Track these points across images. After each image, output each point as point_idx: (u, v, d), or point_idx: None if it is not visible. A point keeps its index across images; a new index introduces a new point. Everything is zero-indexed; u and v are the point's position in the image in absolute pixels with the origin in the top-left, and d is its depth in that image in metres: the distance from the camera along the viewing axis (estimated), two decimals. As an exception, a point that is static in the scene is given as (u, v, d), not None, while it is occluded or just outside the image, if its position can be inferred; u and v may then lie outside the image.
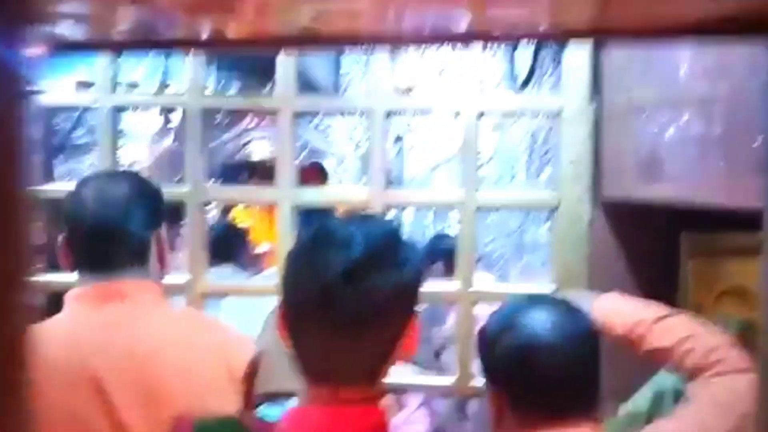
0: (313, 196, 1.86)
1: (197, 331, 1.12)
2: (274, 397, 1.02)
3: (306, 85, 2.46)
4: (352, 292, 0.75)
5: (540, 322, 0.97)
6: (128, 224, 1.09)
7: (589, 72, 1.54)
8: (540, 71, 1.91)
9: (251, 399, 1.02)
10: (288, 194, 1.69)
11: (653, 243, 1.55)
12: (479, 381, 1.65)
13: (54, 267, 2.81)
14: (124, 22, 0.67)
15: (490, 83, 3.10)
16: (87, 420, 1.00)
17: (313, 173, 3.14)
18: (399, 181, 3.47)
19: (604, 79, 1.53)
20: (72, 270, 1.12)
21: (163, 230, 1.16)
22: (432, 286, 2.00)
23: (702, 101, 1.11)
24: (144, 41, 0.74)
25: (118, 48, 0.87)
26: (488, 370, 1.03)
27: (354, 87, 3.66)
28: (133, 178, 1.18)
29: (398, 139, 3.53)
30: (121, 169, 1.31)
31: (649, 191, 1.35)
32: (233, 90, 3.33)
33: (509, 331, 0.98)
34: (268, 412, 1.01)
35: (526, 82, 1.74)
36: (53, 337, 1.03)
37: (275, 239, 2.03)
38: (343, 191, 2.19)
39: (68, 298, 1.09)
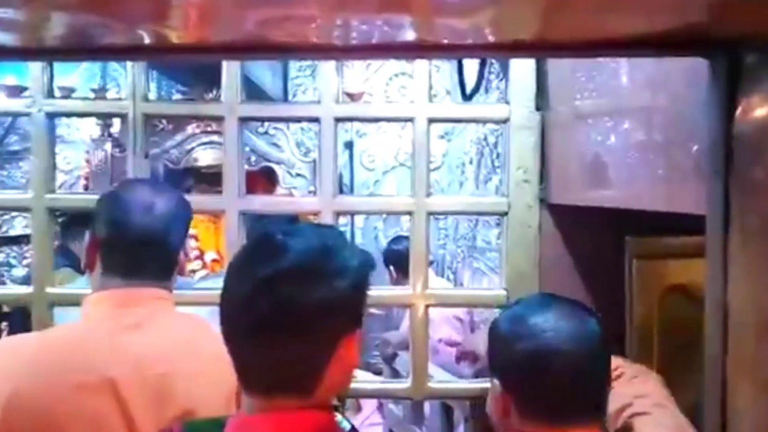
0: (261, 204, 1.83)
1: (203, 337, 1.14)
2: None
3: (253, 90, 2.42)
4: (272, 302, 0.75)
5: (553, 328, 0.99)
6: (169, 237, 1.14)
7: (534, 81, 1.57)
8: (487, 80, 1.94)
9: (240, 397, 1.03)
10: (235, 203, 1.66)
11: (600, 246, 1.59)
12: (434, 384, 1.66)
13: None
14: (59, 29, 0.64)
15: (440, 92, 3.13)
16: (102, 420, 1.03)
17: (262, 179, 3.09)
18: (349, 187, 3.46)
19: (550, 88, 1.56)
20: (93, 270, 1.14)
21: (188, 247, 1.21)
22: (386, 290, 2.01)
23: (642, 110, 1.14)
24: (82, 49, 0.70)
25: (54, 55, 0.83)
26: (498, 371, 1.05)
27: (303, 93, 3.63)
28: (172, 191, 1.21)
29: (348, 145, 3.52)
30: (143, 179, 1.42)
31: (594, 196, 1.38)
32: (177, 95, 3.25)
33: (523, 338, 1.00)
34: None
35: (474, 91, 1.76)
36: (71, 339, 1.09)
37: (221, 247, 1.98)
38: (293, 199, 2.17)
39: (88, 301, 1.13)
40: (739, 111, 0.64)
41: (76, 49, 0.70)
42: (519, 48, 0.68)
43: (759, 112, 0.64)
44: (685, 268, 1.43)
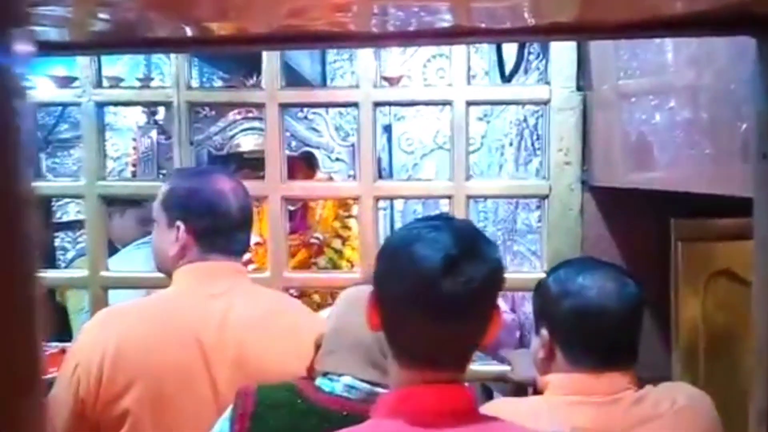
0: (303, 189, 1.86)
1: (282, 311, 1.33)
2: (327, 374, 1.12)
3: (292, 76, 2.45)
4: (452, 285, 0.83)
5: (597, 287, 1.16)
6: (250, 219, 1.37)
7: (575, 61, 1.55)
8: (527, 60, 1.91)
9: (311, 371, 1.15)
10: (277, 188, 1.69)
11: (643, 229, 1.56)
12: (473, 367, 1.67)
13: (43, 263, 2.79)
14: (105, 24, 0.66)
15: (478, 73, 3.09)
16: (190, 374, 1.20)
17: (303, 164, 3.12)
18: (388, 171, 3.46)
19: (592, 68, 1.53)
20: (186, 250, 1.30)
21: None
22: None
23: (687, 89, 1.11)
24: (127, 41, 0.73)
25: (102, 48, 0.86)
26: (547, 323, 1.21)
27: (341, 77, 3.64)
28: (243, 185, 1.39)
29: (386, 128, 3.51)
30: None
31: (637, 178, 1.36)
32: (218, 83, 3.30)
33: (570, 295, 1.17)
34: (323, 383, 1.10)
35: (513, 72, 1.73)
36: (164, 304, 1.30)
37: (265, 232, 2.02)
38: (333, 184, 2.19)
39: (180, 272, 1.30)
40: (788, 90, 0.62)
41: (121, 43, 0.73)
42: (558, 31, 0.67)
43: (810, 91, 0.62)
44: (733, 250, 1.39)
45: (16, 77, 0.32)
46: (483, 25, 0.66)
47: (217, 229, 1.29)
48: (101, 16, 0.63)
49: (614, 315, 1.15)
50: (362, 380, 1.08)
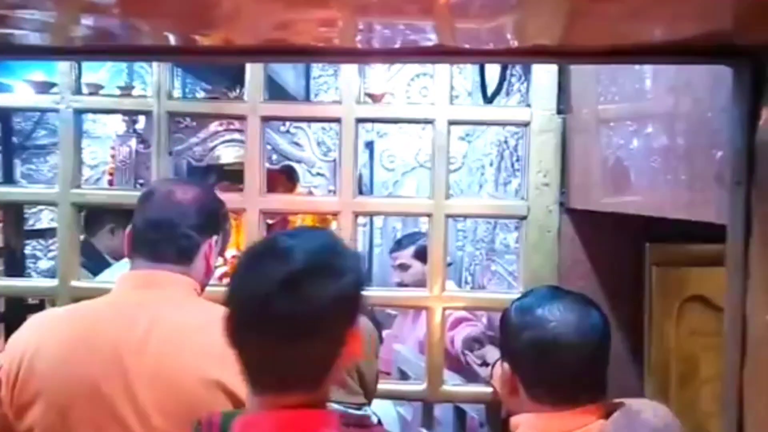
0: (282, 203, 1.84)
1: (210, 321, 1.15)
2: None
3: (276, 89, 2.45)
4: (288, 304, 0.78)
5: (558, 319, 1.10)
6: (183, 223, 1.23)
7: (556, 85, 1.57)
8: (509, 83, 1.93)
9: None
10: (256, 201, 1.67)
11: (619, 252, 1.57)
12: (449, 387, 1.66)
13: (12, 271, 2.71)
14: (87, 30, 0.66)
15: (461, 93, 3.13)
16: (102, 389, 1.09)
17: (283, 177, 3.11)
18: (369, 187, 3.47)
19: (572, 92, 1.55)
20: (128, 256, 1.26)
21: (215, 240, 1.28)
22: (403, 292, 2.01)
23: (665, 115, 1.13)
24: (109, 49, 0.72)
25: (83, 54, 0.85)
26: (508, 356, 1.16)
27: (325, 92, 3.65)
28: (199, 185, 1.34)
29: (368, 145, 3.53)
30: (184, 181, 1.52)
31: (614, 202, 1.37)
32: (201, 94, 3.29)
33: (530, 328, 1.11)
34: None
35: (495, 93, 1.75)
36: (91, 310, 1.21)
37: (242, 244, 2.01)
38: (313, 199, 2.18)
39: (118, 279, 1.25)
40: (762, 120, 0.63)
41: (104, 50, 0.72)
42: (541, 54, 0.68)
43: (783, 122, 0.63)
44: (706, 276, 1.41)
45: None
46: (467, 46, 0.67)
47: (138, 229, 1.23)
48: (84, 22, 0.62)
49: (575, 348, 1.09)
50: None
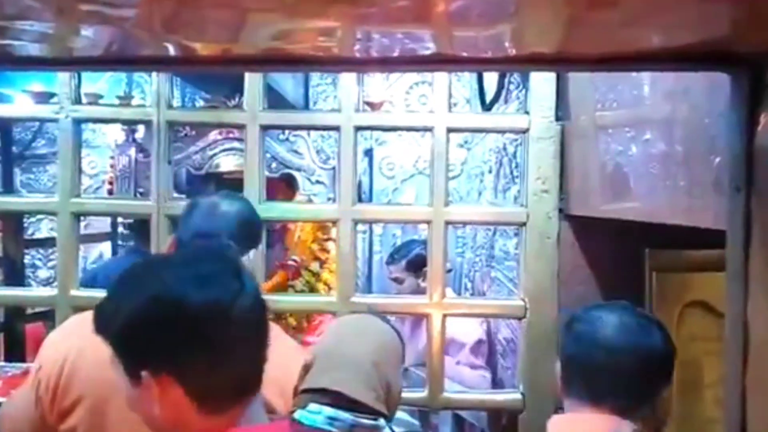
0: (282, 211, 1.85)
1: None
2: (307, 407, 1.07)
3: (275, 98, 2.45)
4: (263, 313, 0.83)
5: (610, 323, 1.08)
6: (222, 236, 1.24)
7: (555, 92, 1.57)
8: (508, 90, 1.94)
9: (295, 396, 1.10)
10: (256, 209, 1.67)
11: (619, 258, 1.58)
12: (450, 394, 1.65)
13: (11, 281, 2.71)
14: (87, 41, 0.66)
15: (460, 100, 3.13)
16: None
17: (282, 185, 3.11)
18: (368, 194, 3.47)
19: (570, 99, 1.55)
20: None
21: (252, 254, 1.32)
22: (403, 299, 2.01)
23: (663, 122, 1.14)
24: (108, 59, 0.72)
25: (81, 65, 0.85)
26: (560, 352, 1.16)
27: (324, 101, 3.65)
28: (242, 203, 1.35)
29: (368, 152, 3.53)
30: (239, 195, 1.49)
31: (613, 209, 1.37)
32: (200, 102, 3.29)
33: (581, 323, 1.11)
34: (302, 416, 1.05)
35: (494, 101, 1.76)
36: None
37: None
38: (312, 207, 2.18)
39: None
40: (760, 126, 0.64)
41: (102, 60, 0.72)
42: (538, 61, 0.68)
43: (781, 128, 0.63)
44: (706, 282, 1.41)
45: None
46: (464, 54, 0.67)
47: (181, 240, 1.26)
48: (83, 32, 0.62)
49: (614, 354, 1.06)
50: (350, 408, 1.03)
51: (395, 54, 0.68)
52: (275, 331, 1.33)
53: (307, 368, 1.11)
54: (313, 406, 1.05)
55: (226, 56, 0.68)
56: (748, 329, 0.65)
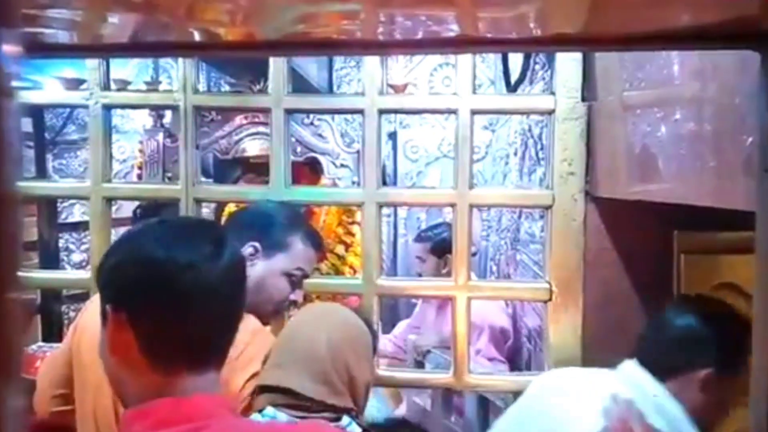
0: (307, 194, 1.86)
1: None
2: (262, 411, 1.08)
3: (299, 82, 2.46)
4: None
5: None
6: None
7: (581, 72, 1.55)
8: (533, 71, 1.91)
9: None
10: (281, 193, 1.69)
11: (647, 240, 1.56)
12: (475, 376, 1.66)
13: (47, 264, 2.78)
14: (114, 27, 0.67)
15: (484, 82, 3.10)
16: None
17: (307, 169, 3.13)
18: (392, 178, 3.47)
19: (597, 79, 1.53)
20: None
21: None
22: (427, 282, 2.02)
23: (693, 101, 1.11)
24: (135, 45, 0.73)
25: (110, 52, 0.87)
26: None
27: (347, 84, 3.65)
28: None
29: (392, 135, 3.53)
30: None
31: (641, 190, 1.35)
32: (226, 87, 3.32)
33: None
34: (255, 418, 1.05)
35: (519, 82, 1.74)
36: None
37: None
38: (337, 190, 2.19)
39: None
40: (792, 105, 0.62)
41: (130, 46, 0.73)
42: (563, 42, 0.67)
43: (814, 106, 0.62)
44: (736, 264, 1.39)
45: (4, 76, 0.32)
46: (489, 35, 0.67)
47: None
48: (110, 19, 0.64)
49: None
50: (304, 406, 1.03)
51: (419, 36, 0.68)
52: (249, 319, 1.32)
53: (264, 360, 1.11)
54: (269, 410, 1.04)
55: (249, 41, 0.69)
56: (776, 312, 0.64)
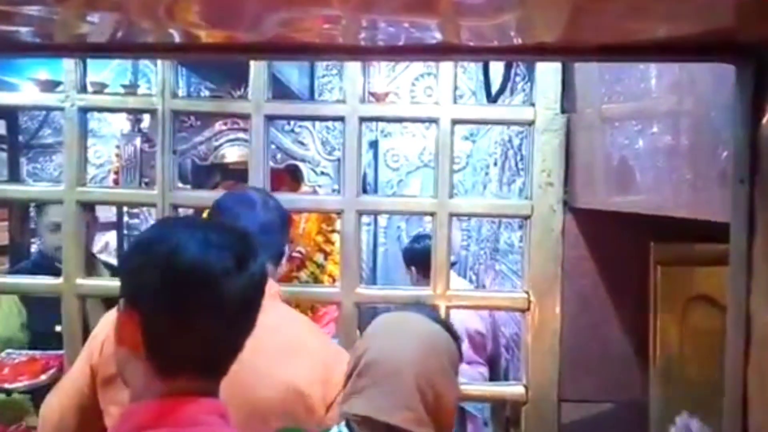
0: (286, 202, 1.84)
1: (304, 331, 1.24)
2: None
3: (280, 88, 2.45)
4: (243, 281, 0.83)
5: None
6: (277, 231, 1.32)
7: (560, 84, 1.57)
8: (513, 82, 1.93)
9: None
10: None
11: (624, 251, 1.57)
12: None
13: (19, 268, 2.72)
14: (92, 26, 0.66)
15: (465, 92, 3.12)
16: None
17: (287, 176, 3.11)
18: (373, 186, 3.47)
19: (576, 91, 1.55)
20: None
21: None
22: (406, 290, 2.01)
23: (669, 114, 1.13)
24: (114, 46, 0.72)
25: (86, 52, 0.86)
26: None
27: (329, 92, 3.65)
28: (274, 201, 1.40)
29: (373, 144, 3.53)
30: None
31: (618, 201, 1.37)
32: (205, 92, 3.29)
33: None
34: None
35: (499, 93, 1.75)
36: None
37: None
38: (316, 198, 2.18)
39: None
40: (765, 119, 0.63)
41: (107, 47, 0.72)
42: (544, 51, 0.67)
43: (787, 120, 0.63)
44: (711, 275, 1.41)
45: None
46: (470, 43, 0.67)
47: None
48: (89, 18, 0.62)
49: None
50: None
51: (401, 43, 0.68)
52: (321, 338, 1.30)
53: (347, 378, 1.04)
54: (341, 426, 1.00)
55: (230, 44, 0.68)
56: (750, 322, 0.65)
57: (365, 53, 0.75)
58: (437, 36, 0.67)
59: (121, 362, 0.84)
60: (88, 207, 1.83)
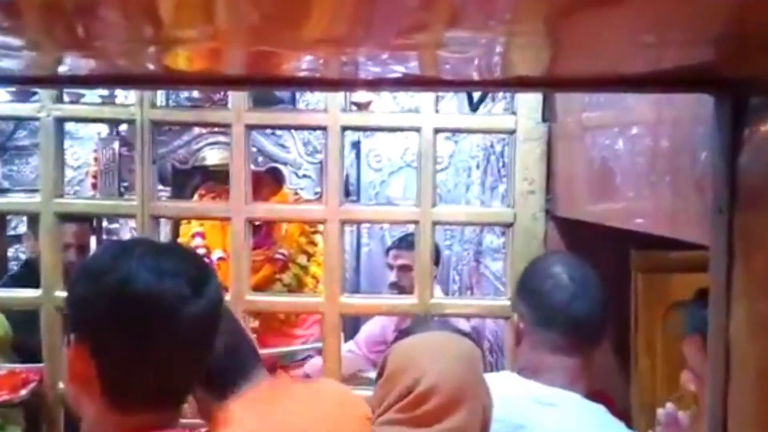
0: (268, 210, 1.84)
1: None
2: None
3: (261, 95, 2.43)
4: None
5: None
6: None
7: (541, 93, 1.57)
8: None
9: None
10: (242, 209, 1.67)
11: (605, 259, 1.58)
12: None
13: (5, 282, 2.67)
14: (72, 65, 0.65)
15: (446, 100, 3.12)
16: None
17: (269, 179, 3.09)
18: (356, 187, 3.46)
19: (557, 100, 1.55)
20: None
21: None
22: (388, 299, 2.02)
23: (649, 124, 1.14)
24: (91, 79, 0.71)
25: (64, 84, 0.84)
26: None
27: (312, 93, 3.62)
28: None
29: (355, 145, 3.52)
30: None
31: (598, 212, 1.38)
32: (184, 95, 3.25)
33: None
34: None
35: (481, 100, 1.76)
36: None
37: (228, 246, 2.00)
38: (299, 207, 2.17)
39: None
40: (743, 150, 0.64)
41: (87, 79, 0.71)
42: (525, 84, 0.68)
43: (764, 151, 0.64)
44: (691, 283, 1.43)
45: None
46: (450, 78, 0.67)
47: None
48: (66, 61, 0.61)
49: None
50: None
51: (382, 76, 0.68)
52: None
53: (387, 407, 1.00)
54: None
55: (211, 77, 0.67)
56: (730, 351, 0.66)
57: (346, 86, 0.75)
58: (419, 71, 0.67)
59: (75, 399, 0.81)
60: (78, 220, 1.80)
